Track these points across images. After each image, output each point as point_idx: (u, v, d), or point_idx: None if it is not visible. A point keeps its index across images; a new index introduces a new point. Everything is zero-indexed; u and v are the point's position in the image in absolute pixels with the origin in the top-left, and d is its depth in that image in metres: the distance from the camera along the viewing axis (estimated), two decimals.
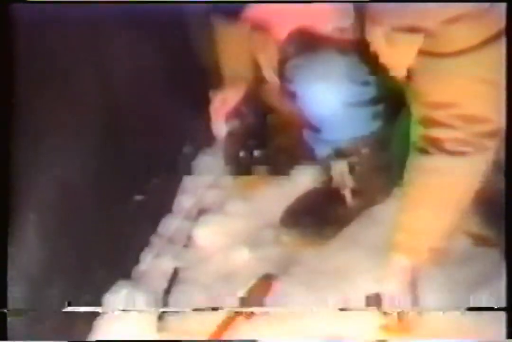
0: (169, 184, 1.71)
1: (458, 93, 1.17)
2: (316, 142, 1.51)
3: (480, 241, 1.44)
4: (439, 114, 1.19)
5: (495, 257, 1.39)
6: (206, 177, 1.73)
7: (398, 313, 1.26)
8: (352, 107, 1.38)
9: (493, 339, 1.12)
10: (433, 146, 1.22)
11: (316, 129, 1.47)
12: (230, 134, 1.73)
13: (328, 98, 1.37)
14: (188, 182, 1.73)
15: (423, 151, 1.24)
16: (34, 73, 1.16)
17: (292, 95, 1.42)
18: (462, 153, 1.21)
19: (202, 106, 1.75)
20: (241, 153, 1.68)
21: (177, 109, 1.73)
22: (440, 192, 1.23)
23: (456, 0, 1.13)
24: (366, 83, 1.36)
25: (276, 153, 1.68)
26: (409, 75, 1.20)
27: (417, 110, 1.24)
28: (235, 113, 1.56)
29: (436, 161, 1.23)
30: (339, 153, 1.49)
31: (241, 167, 1.68)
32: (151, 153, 1.60)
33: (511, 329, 1.05)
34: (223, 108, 1.55)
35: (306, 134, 1.52)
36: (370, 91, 1.37)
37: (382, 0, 1.26)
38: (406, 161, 1.32)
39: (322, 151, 1.51)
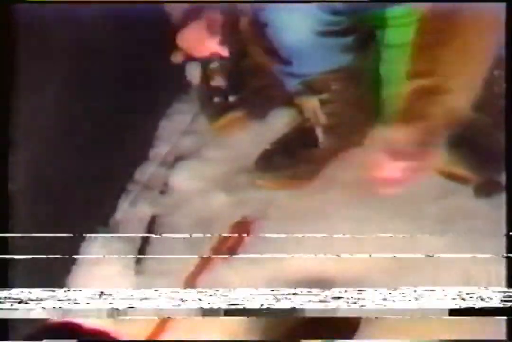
0: (145, 131, 1.70)
1: None
2: (286, 77, 1.49)
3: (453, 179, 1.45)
4: None
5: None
6: (182, 123, 1.71)
7: None
8: (322, 37, 1.36)
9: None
10: None
11: (285, 62, 1.44)
12: (204, 79, 1.72)
13: (299, 27, 1.35)
14: (163, 128, 1.72)
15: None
16: (34, 73, 1.18)
17: (263, 26, 1.40)
18: None
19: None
20: (216, 98, 1.66)
21: (151, 57, 1.71)
22: None
23: (456, 0, 1.12)
24: (337, 13, 1.33)
25: (251, 97, 1.66)
26: None
27: None
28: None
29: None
30: (310, 89, 1.47)
31: (216, 112, 1.66)
32: (126, 101, 1.58)
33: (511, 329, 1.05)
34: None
35: (276, 69, 1.50)
36: (341, 21, 1.35)
37: (382, 0, 1.25)
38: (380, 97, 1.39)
39: (292, 86, 1.49)
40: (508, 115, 1.15)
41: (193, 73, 1.75)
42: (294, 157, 1.51)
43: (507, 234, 1.10)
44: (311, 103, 1.48)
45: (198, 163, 1.60)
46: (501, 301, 1.02)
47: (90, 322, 1.19)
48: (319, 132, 1.50)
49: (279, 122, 1.63)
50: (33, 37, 1.17)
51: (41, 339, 1.12)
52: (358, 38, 1.39)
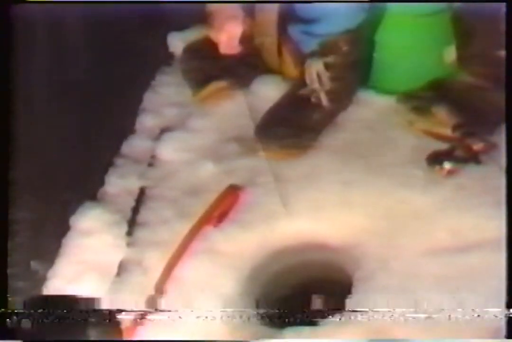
0: (130, 104, 1.68)
1: None
2: (304, 36, 1.51)
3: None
4: None
5: None
6: (166, 95, 1.70)
7: None
8: None
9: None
10: None
11: (303, 21, 1.47)
12: (187, 50, 1.70)
13: None
14: (148, 101, 1.70)
15: None
16: (34, 74, 1.23)
17: None
18: None
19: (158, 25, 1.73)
20: (200, 68, 1.65)
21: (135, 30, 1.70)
22: None
23: (456, 0, 1.12)
24: None
25: (235, 65, 1.64)
26: None
27: None
28: None
29: None
30: (323, 50, 1.48)
31: (198, 83, 1.65)
32: (109, 75, 1.58)
33: (511, 328, 1.05)
34: None
35: (294, 29, 1.52)
36: None
37: (383, 0, 1.24)
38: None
39: (307, 46, 1.50)
40: (508, 113, 1.15)
41: (176, 44, 1.75)
42: (293, 125, 1.48)
43: None
44: (315, 68, 1.47)
45: (184, 134, 1.58)
46: None
47: None
48: (322, 95, 1.48)
49: (264, 90, 1.62)
50: (33, 36, 1.19)
51: None
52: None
